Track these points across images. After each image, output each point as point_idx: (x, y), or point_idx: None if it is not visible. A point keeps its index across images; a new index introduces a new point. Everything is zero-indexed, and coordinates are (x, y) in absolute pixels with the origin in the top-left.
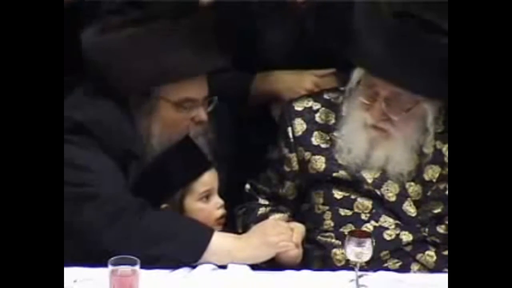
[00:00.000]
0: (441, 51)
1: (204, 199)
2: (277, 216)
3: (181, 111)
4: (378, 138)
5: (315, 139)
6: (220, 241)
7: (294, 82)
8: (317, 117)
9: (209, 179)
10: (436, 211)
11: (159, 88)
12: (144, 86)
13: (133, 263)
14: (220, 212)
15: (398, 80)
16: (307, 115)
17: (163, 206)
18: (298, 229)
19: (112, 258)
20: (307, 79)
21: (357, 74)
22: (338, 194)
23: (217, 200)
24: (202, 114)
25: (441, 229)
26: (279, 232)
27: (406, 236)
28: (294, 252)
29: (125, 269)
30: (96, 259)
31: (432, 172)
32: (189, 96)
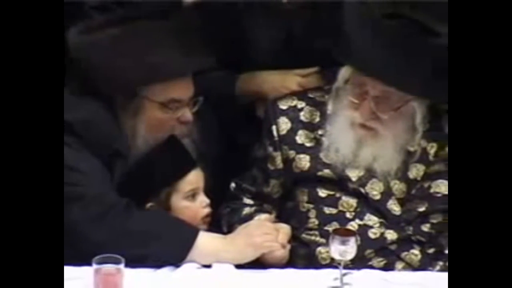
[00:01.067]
0: (430, 51)
1: (190, 198)
2: (263, 216)
3: (166, 111)
4: (366, 137)
5: (300, 138)
6: (206, 241)
7: (278, 83)
8: (302, 116)
9: (194, 178)
10: (420, 209)
11: (145, 88)
12: (129, 86)
13: (117, 262)
14: (206, 210)
15: (389, 79)
16: (292, 113)
17: (149, 205)
18: (284, 230)
19: (96, 257)
20: (291, 80)
21: (344, 73)
22: (322, 193)
23: (203, 199)
24: (187, 114)
25: (425, 227)
26: (264, 233)
27: (391, 235)
28: (280, 252)
29: (109, 268)
30: (82, 259)
31: (416, 171)
32: (174, 96)
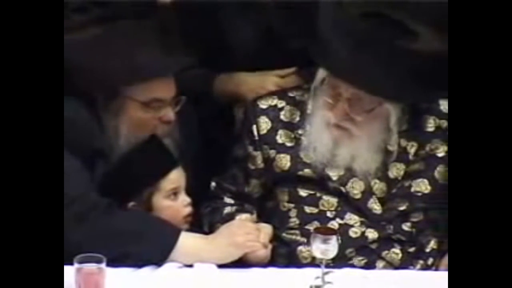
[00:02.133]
0: (406, 53)
1: (172, 197)
2: (244, 216)
3: (148, 111)
4: (341, 137)
5: (280, 138)
6: (187, 241)
7: (256, 84)
8: (282, 115)
9: (176, 177)
10: (401, 208)
11: (127, 88)
12: (111, 86)
13: (99, 261)
14: (188, 209)
15: (359, 83)
16: (272, 113)
17: (131, 204)
18: (265, 230)
19: (78, 256)
20: (269, 81)
21: (321, 73)
22: (303, 192)
23: (184, 198)
24: (170, 114)
25: (406, 226)
26: (246, 232)
27: (372, 234)
28: (262, 252)
29: (91, 267)
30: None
31: (396, 170)
32: (157, 96)
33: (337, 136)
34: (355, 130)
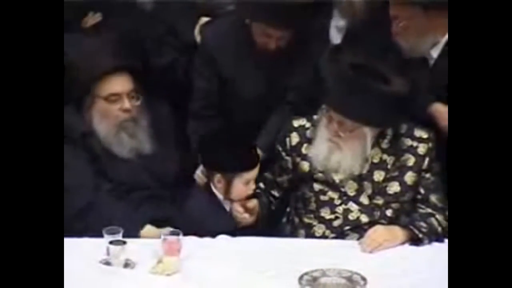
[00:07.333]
0: (381, 94)
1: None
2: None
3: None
4: (332, 148)
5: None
6: None
7: None
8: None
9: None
10: (380, 202)
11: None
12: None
13: (177, 234)
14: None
15: (346, 112)
16: (301, 130)
17: None
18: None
19: (163, 231)
20: None
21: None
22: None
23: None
24: (126, 104)
25: (388, 213)
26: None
27: (364, 218)
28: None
29: (172, 238)
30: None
31: (379, 175)
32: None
33: (330, 147)
34: (342, 144)
